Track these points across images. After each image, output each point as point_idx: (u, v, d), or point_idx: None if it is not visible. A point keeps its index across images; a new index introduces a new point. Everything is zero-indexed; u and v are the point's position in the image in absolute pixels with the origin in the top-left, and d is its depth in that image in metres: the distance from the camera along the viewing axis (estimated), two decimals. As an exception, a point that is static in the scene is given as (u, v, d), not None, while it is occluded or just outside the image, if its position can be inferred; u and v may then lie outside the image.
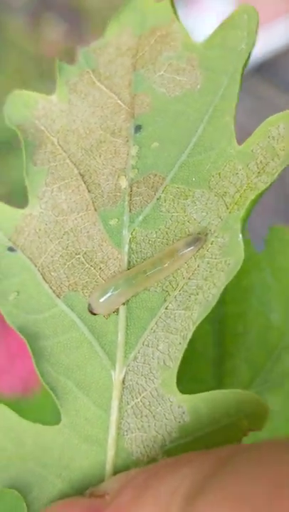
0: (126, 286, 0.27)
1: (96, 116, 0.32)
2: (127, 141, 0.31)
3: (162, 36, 0.33)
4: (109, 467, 0.26)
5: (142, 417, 0.27)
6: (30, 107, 0.33)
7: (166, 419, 0.26)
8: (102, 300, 0.27)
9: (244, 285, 0.32)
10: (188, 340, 0.26)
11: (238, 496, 0.18)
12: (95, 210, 0.30)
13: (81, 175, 0.31)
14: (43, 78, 1.44)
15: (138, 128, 0.31)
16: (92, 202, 0.30)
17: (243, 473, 0.18)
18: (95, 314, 0.28)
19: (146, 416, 0.27)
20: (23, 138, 0.32)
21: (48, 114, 0.33)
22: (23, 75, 1.46)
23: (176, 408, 0.26)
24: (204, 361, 0.32)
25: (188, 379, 0.26)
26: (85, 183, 0.31)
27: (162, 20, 0.33)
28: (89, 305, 0.28)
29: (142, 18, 0.34)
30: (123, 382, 0.27)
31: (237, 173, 0.28)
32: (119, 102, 0.32)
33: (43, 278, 0.29)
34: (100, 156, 0.31)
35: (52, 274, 0.29)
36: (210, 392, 0.26)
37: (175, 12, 0.33)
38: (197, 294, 0.27)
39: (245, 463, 0.19)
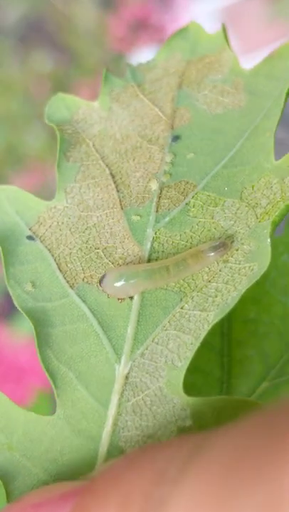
0: (145, 278, 0.26)
1: (135, 124, 0.32)
2: (163, 148, 0.31)
3: (211, 62, 0.34)
4: (99, 464, 0.25)
5: (141, 415, 0.25)
6: (71, 111, 0.33)
7: (167, 420, 0.24)
8: (116, 283, 0.26)
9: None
10: (201, 340, 0.25)
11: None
12: (122, 208, 0.30)
13: (112, 175, 0.31)
14: (31, 117, 1.48)
15: (175, 138, 0.31)
16: (120, 201, 0.30)
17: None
18: (104, 292, 0.27)
19: (146, 415, 0.25)
20: (59, 135, 0.32)
21: (87, 118, 0.33)
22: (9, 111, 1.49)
23: (179, 410, 0.25)
24: (210, 350, 0.30)
25: (193, 370, 0.25)
26: (114, 182, 0.31)
27: (213, 49, 0.34)
28: (101, 279, 0.27)
29: (193, 46, 0.35)
30: (126, 377, 0.26)
31: (271, 187, 0.28)
32: (159, 113, 0.32)
33: (58, 268, 0.29)
34: (134, 159, 0.31)
35: (68, 265, 0.29)
36: (218, 397, 0.24)
37: (227, 42, 0.34)
38: (216, 297, 0.26)
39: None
